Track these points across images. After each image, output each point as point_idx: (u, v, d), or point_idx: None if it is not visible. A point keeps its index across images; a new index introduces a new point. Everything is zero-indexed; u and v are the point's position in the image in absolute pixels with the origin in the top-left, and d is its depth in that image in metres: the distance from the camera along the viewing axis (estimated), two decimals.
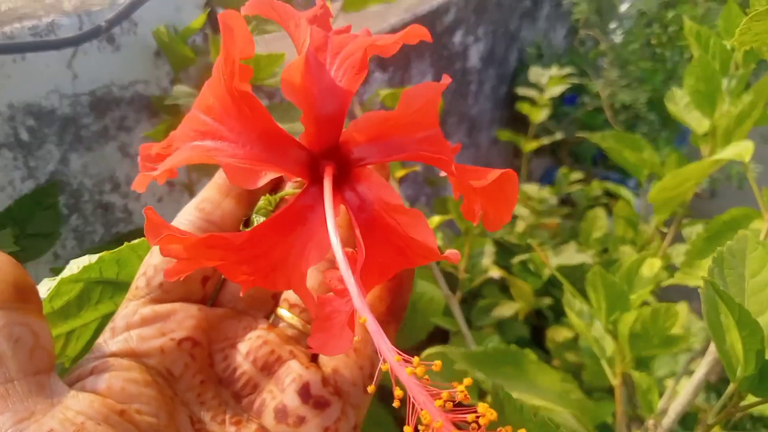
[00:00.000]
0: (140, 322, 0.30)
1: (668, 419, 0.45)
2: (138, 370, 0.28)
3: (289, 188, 0.35)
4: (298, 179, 0.29)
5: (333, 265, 0.30)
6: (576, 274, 1.24)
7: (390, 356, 0.23)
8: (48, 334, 0.26)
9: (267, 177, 0.27)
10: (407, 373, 0.23)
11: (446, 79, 0.29)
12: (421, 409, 0.22)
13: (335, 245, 0.26)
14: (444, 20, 1.48)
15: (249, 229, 0.33)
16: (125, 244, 0.36)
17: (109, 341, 0.30)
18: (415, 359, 0.23)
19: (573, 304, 0.60)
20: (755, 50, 0.71)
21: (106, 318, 0.36)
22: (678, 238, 1.00)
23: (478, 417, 0.22)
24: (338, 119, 0.29)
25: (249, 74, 0.26)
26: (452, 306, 0.79)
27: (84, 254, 0.69)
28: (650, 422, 0.46)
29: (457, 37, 1.56)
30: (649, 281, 0.72)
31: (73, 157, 0.71)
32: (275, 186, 0.36)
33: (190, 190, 0.80)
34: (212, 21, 0.76)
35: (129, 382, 0.27)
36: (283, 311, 0.34)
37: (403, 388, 0.23)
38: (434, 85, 0.28)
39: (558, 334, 1.15)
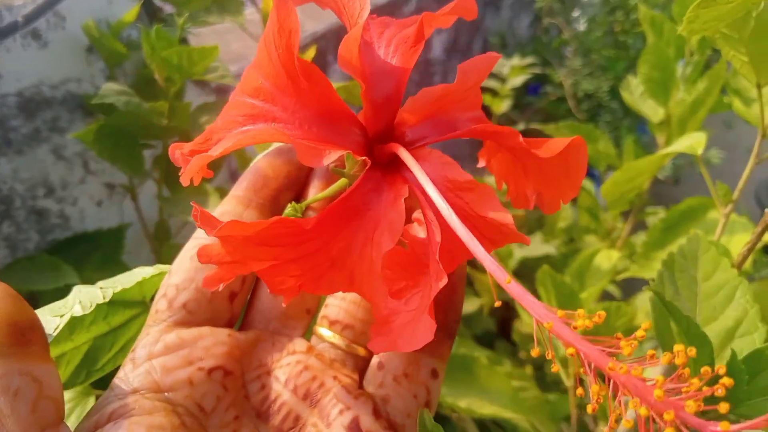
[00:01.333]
0: (164, 350, 0.27)
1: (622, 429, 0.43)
2: (163, 412, 0.25)
3: (312, 194, 0.33)
4: (362, 158, 0.26)
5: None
6: (540, 266, 1.23)
7: (550, 316, 0.21)
8: (55, 379, 0.22)
9: (332, 155, 0.23)
10: (576, 329, 0.20)
11: (495, 54, 0.27)
12: (601, 366, 0.19)
13: (441, 204, 0.24)
14: (405, 10, 1.45)
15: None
16: (141, 278, 0.33)
17: (130, 375, 0.26)
18: (579, 311, 0.21)
19: None
20: (709, 39, 0.70)
21: (99, 340, 0.34)
22: (641, 226, 1.00)
23: (674, 356, 0.19)
24: (394, 100, 0.27)
25: (298, 45, 0.24)
26: None
27: (16, 263, 0.65)
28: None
29: None
30: (606, 273, 0.70)
31: (2, 161, 0.67)
32: (299, 195, 0.33)
33: (132, 193, 0.76)
34: (147, 13, 0.72)
35: (153, 428, 0.23)
36: (323, 330, 0.31)
37: (573, 347, 0.20)
38: (486, 58, 0.27)
39: (524, 327, 1.13)
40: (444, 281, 0.23)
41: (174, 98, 0.66)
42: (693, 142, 0.48)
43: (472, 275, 1.12)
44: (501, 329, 1.26)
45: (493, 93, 1.44)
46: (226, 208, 0.31)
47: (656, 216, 0.99)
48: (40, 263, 0.64)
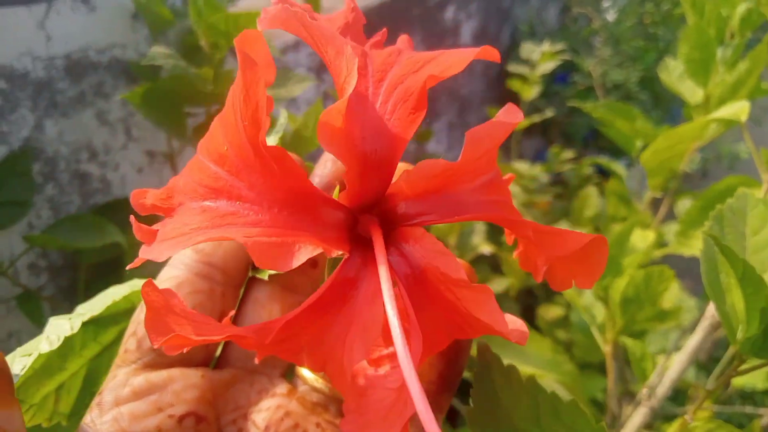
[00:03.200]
0: (131, 396, 0.25)
1: (662, 388, 0.44)
2: None
3: None
4: (339, 252, 0.22)
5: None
6: None
7: None
8: (19, 423, 0.21)
9: (303, 253, 0.20)
10: None
11: (516, 116, 0.22)
12: None
13: (392, 320, 0.20)
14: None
15: (259, 271, 0.29)
16: (112, 300, 0.31)
17: (97, 421, 0.25)
18: None
19: None
20: (753, 12, 0.69)
21: (95, 361, 0.32)
22: (670, 216, 0.99)
23: None
24: (387, 169, 0.23)
25: (270, 107, 0.21)
26: None
27: (61, 223, 0.66)
28: (644, 391, 0.44)
29: (449, 13, 1.53)
30: (641, 252, 0.70)
31: (48, 123, 0.68)
32: None
33: (172, 161, 0.77)
34: None
35: None
36: (305, 371, 0.29)
37: None
38: (502, 124, 0.22)
39: (549, 312, 1.14)
40: (412, 412, 0.20)
41: (218, 65, 0.67)
42: (737, 109, 0.48)
43: (499, 256, 1.13)
44: (525, 315, 1.26)
45: (523, 79, 1.43)
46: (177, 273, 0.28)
47: (685, 202, 0.99)
48: (84, 222, 0.65)
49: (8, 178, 0.63)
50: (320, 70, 1.10)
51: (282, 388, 0.28)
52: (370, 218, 0.23)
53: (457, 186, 0.23)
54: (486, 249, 1.07)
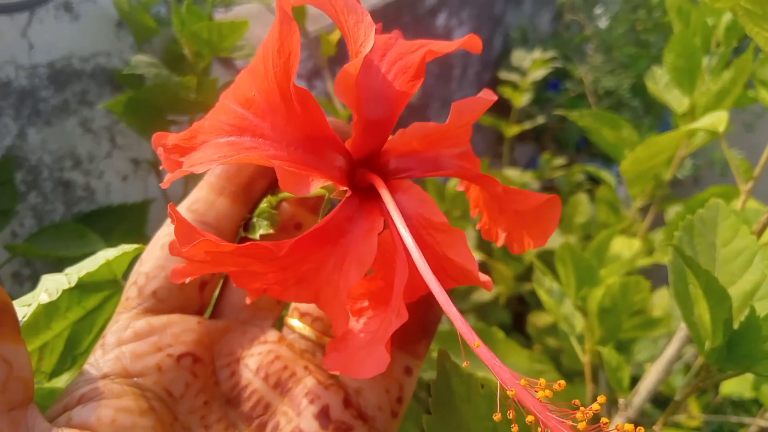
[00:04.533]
0: (133, 337, 0.27)
1: (639, 397, 0.44)
2: (131, 396, 0.25)
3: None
4: (343, 188, 0.26)
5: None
6: (556, 253, 1.23)
7: (514, 383, 0.21)
8: (25, 360, 0.22)
9: (316, 183, 0.24)
10: (538, 397, 0.20)
11: (491, 96, 0.27)
12: None
13: (410, 245, 0.23)
14: (426, 2, 1.45)
15: (250, 232, 0.31)
16: (105, 260, 0.33)
17: (100, 360, 0.26)
18: (541, 381, 0.21)
19: (543, 281, 0.58)
20: (734, 18, 0.69)
21: (78, 324, 0.34)
22: (659, 223, 0.99)
23: None
24: (386, 127, 0.26)
25: (296, 67, 0.23)
26: None
27: (43, 231, 0.66)
28: (621, 401, 0.44)
29: (440, 20, 1.54)
30: (623, 261, 0.70)
31: (31, 131, 0.68)
32: (272, 184, 0.33)
33: (157, 169, 0.77)
34: None
35: (121, 411, 0.24)
36: (294, 321, 0.31)
37: (534, 415, 0.20)
38: (482, 100, 0.26)
39: (539, 319, 1.13)
40: (404, 320, 0.23)
41: (202, 74, 0.67)
42: (715, 119, 0.48)
43: (489, 264, 1.13)
44: (516, 322, 1.26)
45: (514, 86, 1.43)
46: (199, 195, 0.31)
47: (674, 209, 0.99)
48: (67, 231, 0.65)
49: None
50: (310, 76, 1.10)
51: (272, 335, 0.30)
52: (367, 171, 0.27)
53: (438, 150, 0.28)
54: (476, 257, 1.06)
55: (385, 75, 0.26)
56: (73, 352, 0.34)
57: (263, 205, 0.31)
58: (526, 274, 1.25)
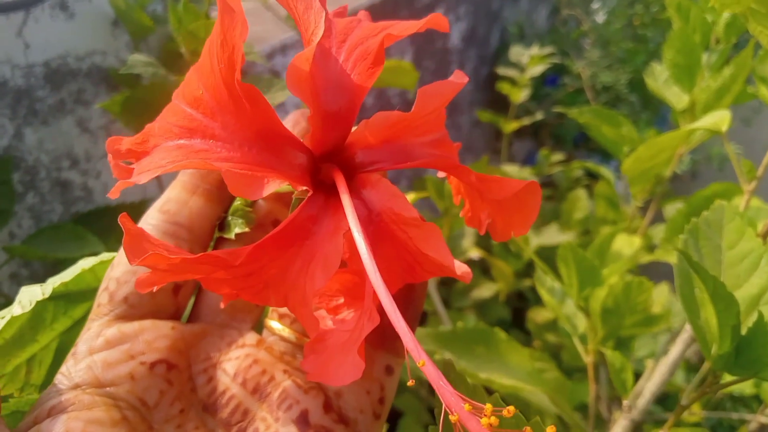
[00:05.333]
0: (104, 345, 0.26)
1: (643, 399, 0.44)
2: (103, 406, 0.24)
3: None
4: (302, 188, 0.25)
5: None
6: (557, 255, 1.23)
7: (458, 406, 0.20)
8: None
9: (272, 185, 0.22)
10: (482, 425, 0.19)
11: (462, 78, 0.26)
12: None
13: (365, 257, 0.22)
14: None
15: (225, 231, 0.30)
16: (81, 269, 0.32)
17: (72, 370, 0.26)
18: (488, 406, 0.20)
19: (544, 281, 0.58)
20: (738, 18, 0.69)
21: (66, 335, 0.33)
22: (659, 219, 0.99)
23: None
24: (346, 119, 0.25)
25: (242, 61, 0.22)
26: (429, 287, 0.77)
27: (42, 232, 0.66)
28: (625, 403, 0.44)
29: None
30: (626, 257, 0.70)
31: (28, 131, 0.68)
32: None
33: None
34: None
35: (92, 423, 0.23)
36: (273, 323, 0.30)
37: None
38: (451, 84, 0.25)
39: (539, 316, 1.13)
40: (376, 323, 0.22)
41: None
42: (717, 119, 0.48)
43: (489, 261, 1.12)
44: (515, 318, 1.26)
45: (512, 82, 1.43)
46: (171, 195, 0.30)
47: (674, 206, 0.99)
48: (65, 232, 0.65)
49: None
50: None
51: (251, 339, 0.29)
52: (331, 165, 0.25)
53: (409, 138, 0.26)
54: (475, 254, 1.06)
55: (344, 62, 0.25)
56: (62, 363, 0.33)
57: (237, 202, 0.30)
58: (526, 270, 1.25)
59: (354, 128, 0.26)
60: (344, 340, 0.24)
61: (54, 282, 0.32)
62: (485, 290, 1.11)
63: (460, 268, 0.26)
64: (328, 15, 0.25)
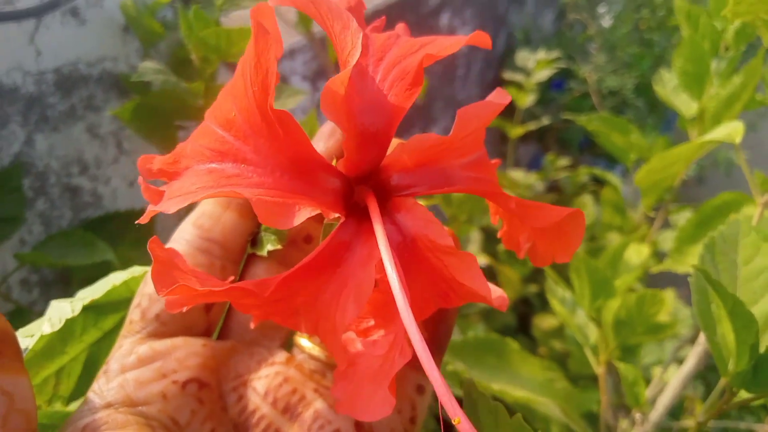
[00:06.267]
0: (137, 363, 0.26)
1: (656, 413, 0.43)
2: (135, 426, 0.24)
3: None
4: (335, 215, 0.24)
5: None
6: (570, 263, 1.22)
7: None
8: (28, 391, 0.21)
9: (303, 213, 0.22)
10: None
11: (504, 98, 0.25)
12: None
13: (397, 292, 0.21)
14: (430, 2, 1.44)
15: (257, 248, 0.30)
16: (111, 285, 0.32)
17: (104, 388, 0.26)
18: None
19: (555, 291, 0.58)
20: (748, 26, 0.69)
21: (95, 347, 0.33)
22: (665, 225, 0.99)
23: None
24: (383, 141, 0.24)
25: (277, 80, 0.21)
26: None
27: (52, 239, 0.66)
28: (637, 415, 0.44)
29: (444, 20, 1.53)
30: (636, 267, 0.70)
31: (39, 137, 0.68)
32: None
33: None
34: None
35: None
36: (303, 341, 0.30)
37: None
38: (491, 105, 0.24)
39: (544, 322, 1.13)
40: (407, 359, 0.22)
41: (209, 79, 0.66)
42: (731, 131, 0.48)
43: (495, 267, 1.12)
44: (521, 324, 1.26)
45: (518, 87, 1.43)
46: (205, 209, 0.30)
47: (681, 214, 0.98)
48: (75, 239, 0.65)
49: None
50: (315, 78, 1.09)
51: (281, 357, 0.29)
52: (365, 188, 0.25)
53: (446, 161, 0.25)
54: (481, 261, 1.06)
55: (381, 82, 0.24)
56: (91, 375, 0.33)
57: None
58: (532, 276, 1.25)
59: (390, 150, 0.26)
60: (375, 369, 0.24)
61: (84, 299, 0.31)
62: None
63: (495, 292, 0.26)
64: (365, 32, 0.24)
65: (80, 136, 0.71)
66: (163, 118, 0.66)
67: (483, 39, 0.26)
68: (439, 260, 0.24)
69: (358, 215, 0.25)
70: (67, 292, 0.73)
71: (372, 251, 0.23)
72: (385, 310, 0.26)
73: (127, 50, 0.72)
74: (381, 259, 0.23)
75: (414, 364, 0.28)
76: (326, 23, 0.24)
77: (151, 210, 0.21)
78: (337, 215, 0.24)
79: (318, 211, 0.22)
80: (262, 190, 0.21)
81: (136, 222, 0.22)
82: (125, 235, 0.71)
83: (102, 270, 0.67)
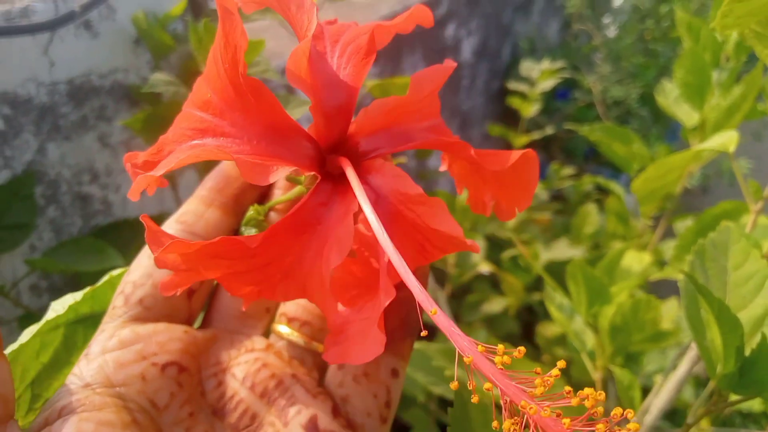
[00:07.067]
0: (117, 345, 0.26)
1: (650, 416, 0.44)
2: (113, 407, 0.24)
3: (278, 196, 0.33)
4: (311, 173, 0.27)
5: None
6: (566, 270, 1.23)
7: (472, 349, 0.20)
8: (6, 376, 0.22)
9: (280, 171, 0.24)
10: (496, 363, 0.20)
11: (451, 63, 0.27)
12: (515, 402, 0.20)
13: (378, 230, 0.23)
14: (436, 13, 1.46)
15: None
16: (106, 279, 0.33)
17: (84, 369, 0.26)
18: (500, 347, 0.21)
19: (553, 297, 0.59)
20: (742, 38, 0.70)
21: None
22: (669, 234, 1.00)
23: (583, 399, 0.20)
24: (345, 111, 0.26)
25: (245, 64, 0.23)
26: (439, 301, 0.78)
27: (62, 246, 0.67)
28: (633, 422, 0.45)
29: (450, 31, 1.55)
30: (636, 275, 0.71)
31: (51, 146, 0.70)
32: (263, 195, 0.33)
33: (172, 182, 0.78)
34: (193, 7, 0.74)
35: (102, 425, 0.23)
36: (281, 327, 0.31)
37: (491, 381, 0.20)
38: (441, 68, 0.26)
39: (548, 330, 1.14)
40: (392, 297, 0.23)
41: None
42: (725, 140, 0.49)
43: (499, 275, 1.13)
44: (524, 332, 1.26)
45: (523, 97, 1.44)
46: (189, 208, 0.31)
47: (684, 224, 0.99)
48: (85, 246, 0.66)
49: (12, 201, 0.64)
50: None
51: (260, 343, 0.30)
52: (338, 156, 0.27)
53: (407, 124, 0.28)
54: (485, 268, 1.07)
55: (339, 59, 0.26)
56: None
57: (250, 213, 0.31)
58: (535, 284, 1.26)
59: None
60: (362, 325, 0.25)
61: (84, 291, 0.32)
62: (495, 304, 1.12)
63: (469, 240, 0.27)
64: (319, 21, 0.26)
65: (91, 145, 0.73)
66: None
67: (424, 14, 0.29)
68: (411, 211, 0.26)
69: (332, 181, 0.26)
70: None
71: (348, 206, 0.25)
72: (369, 281, 0.27)
73: (138, 62, 0.74)
74: (357, 225, 0.25)
75: (388, 347, 0.28)
76: (284, 10, 0.26)
77: (140, 179, 0.23)
78: (312, 174, 0.26)
79: (294, 169, 0.24)
80: (242, 156, 0.23)
81: (127, 200, 0.24)
82: (134, 242, 0.73)
83: None
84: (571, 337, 0.55)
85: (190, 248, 0.22)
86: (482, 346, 0.20)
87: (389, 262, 0.23)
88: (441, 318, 0.21)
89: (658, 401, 0.42)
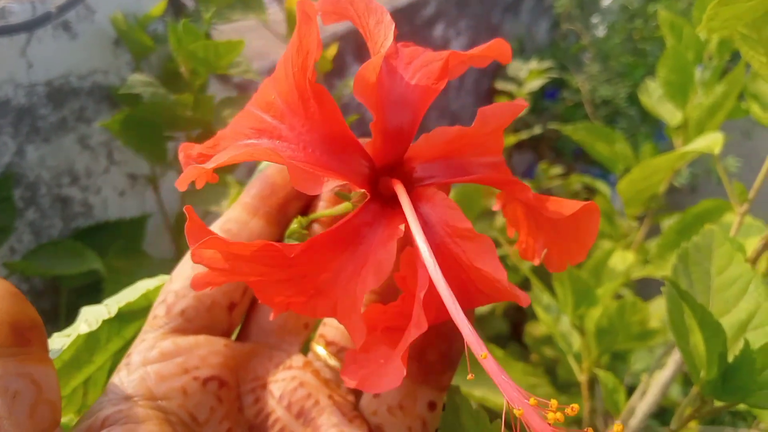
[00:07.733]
0: (159, 357, 0.26)
1: (635, 420, 0.44)
2: (155, 420, 0.24)
3: (322, 209, 0.32)
4: (361, 191, 0.26)
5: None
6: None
7: (522, 402, 0.20)
8: (54, 382, 0.22)
9: (330, 183, 0.23)
10: (549, 420, 0.19)
11: (522, 103, 0.26)
12: None
13: (426, 256, 0.22)
14: (424, 13, 1.46)
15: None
16: (146, 290, 0.32)
17: (125, 380, 0.26)
18: (553, 402, 0.20)
19: (540, 298, 0.58)
20: (728, 39, 0.70)
21: (118, 355, 0.34)
22: (655, 232, 1.00)
23: None
24: (407, 133, 0.26)
25: (314, 71, 0.23)
26: None
27: (41, 248, 0.66)
28: (617, 423, 0.44)
29: (438, 31, 1.54)
30: (620, 274, 0.71)
31: (30, 149, 0.68)
32: (306, 207, 0.32)
33: (154, 184, 0.77)
34: (173, 8, 0.73)
35: None
36: (319, 348, 0.30)
37: None
38: (511, 105, 0.26)
39: (536, 329, 1.14)
40: (423, 330, 0.22)
41: (198, 91, 0.67)
42: (710, 141, 0.49)
43: None
44: (513, 332, 1.26)
45: (510, 96, 1.44)
46: (232, 215, 0.30)
47: (670, 221, 0.99)
48: (64, 249, 0.66)
49: None
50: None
51: (298, 361, 0.29)
52: (390, 178, 0.26)
53: (467, 157, 0.27)
54: None
55: (409, 81, 0.26)
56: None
57: (293, 225, 0.30)
58: (523, 284, 1.26)
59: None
60: (387, 350, 0.24)
61: (119, 302, 0.32)
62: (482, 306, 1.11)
63: (517, 289, 0.26)
64: (395, 40, 0.26)
65: (71, 147, 0.72)
66: (152, 130, 0.67)
67: (503, 49, 0.28)
68: (458, 246, 0.25)
69: (381, 202, 0.25)
70: (56, 301, 0.73)
71: (393, 231, 0.24)
72: (404, 314, 0.26)
73: (118, 63, 0.73)
74: (406, 256, 0.24)
75: (426, 380, 0.28)
76: (361, 20, 0.25)
77: (190, 170, 0.22)
78: (362, 191, 0.25)
79: (345, 183, 0.24)
80: (294, 162, 0.22)
81: (175, 184, 0.23)
82: (114, 244, 0.72)
83: (90, 279, 0.68)
84: (558, 338, 0.55)
85: (229, 247, 0.22)
86: (534, 398, 0.20)
87: (428, 294, 0.23)
88: (491, 364, 0.21)
89: (644, 404, 0.42)
